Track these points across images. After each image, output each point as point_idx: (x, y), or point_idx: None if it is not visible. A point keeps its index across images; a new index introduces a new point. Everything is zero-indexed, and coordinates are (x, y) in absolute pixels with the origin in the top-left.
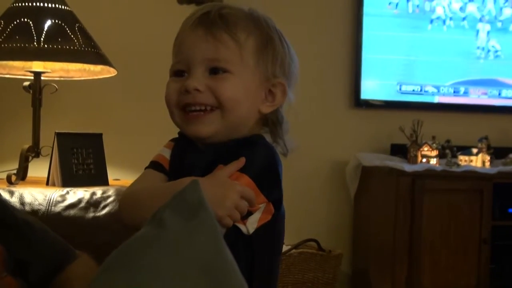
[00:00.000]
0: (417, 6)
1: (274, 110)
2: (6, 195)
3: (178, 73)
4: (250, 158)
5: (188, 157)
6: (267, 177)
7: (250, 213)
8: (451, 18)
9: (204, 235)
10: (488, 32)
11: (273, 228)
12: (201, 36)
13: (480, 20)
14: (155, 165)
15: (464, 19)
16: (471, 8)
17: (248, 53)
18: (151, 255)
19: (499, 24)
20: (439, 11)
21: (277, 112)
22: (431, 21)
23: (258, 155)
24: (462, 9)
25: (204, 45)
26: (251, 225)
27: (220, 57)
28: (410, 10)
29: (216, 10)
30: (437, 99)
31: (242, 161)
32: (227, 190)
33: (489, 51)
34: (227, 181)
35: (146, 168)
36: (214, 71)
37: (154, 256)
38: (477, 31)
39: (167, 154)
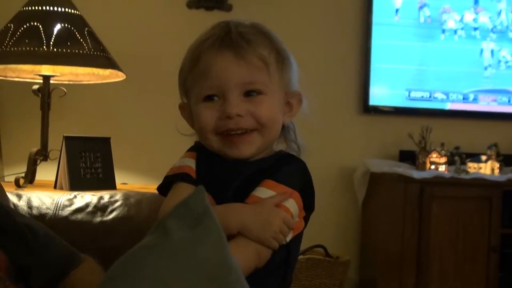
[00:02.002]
0: (429, 16)
1: None
2: (14, 199)
3: (208, 98)
4: (291, 173)
5: (222, 171)
6: (308, 192)
7: None
8: (462, 28)
9: (209, 243)
10: (492, 51)
11: (301, 236)
12: (232, 60)
13: (492, 30)
14: (184, 177)
15: (476, 29)
16: (483, 18)
17: (273, 71)
18: (155, 264)
19: (510, 35)
20: (451, 22)
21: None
22: (443, 31)
23: (300, 171)
24: (474, 20)
25: (237, 70)
26: (288, 235)
27: (255, 80)
28: (422, 20)
29: (235, 30)
30: (448, 106)
31: (287, 194)
32: (272, 218)
33: (499, 61)
34: (273, 209)
35: (173, 182)
36: (249, 93)
37: (158, 265)
38: (481, 50)
39: (192, 164)
